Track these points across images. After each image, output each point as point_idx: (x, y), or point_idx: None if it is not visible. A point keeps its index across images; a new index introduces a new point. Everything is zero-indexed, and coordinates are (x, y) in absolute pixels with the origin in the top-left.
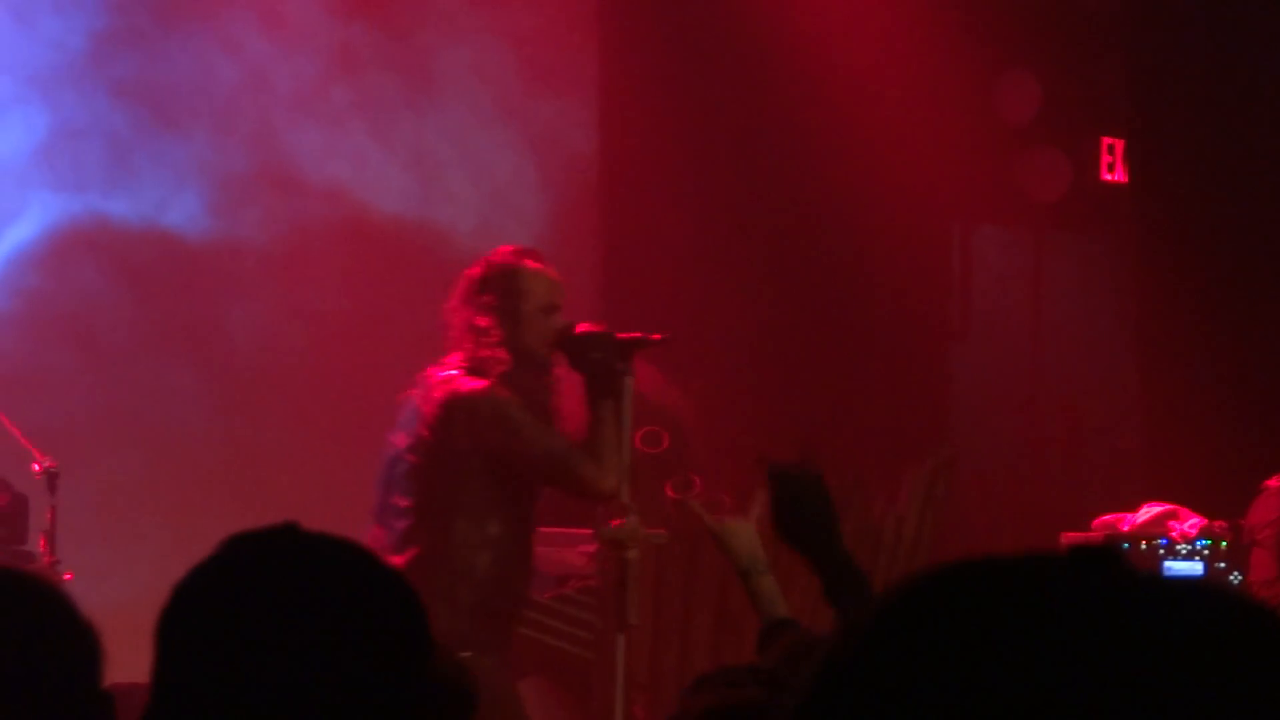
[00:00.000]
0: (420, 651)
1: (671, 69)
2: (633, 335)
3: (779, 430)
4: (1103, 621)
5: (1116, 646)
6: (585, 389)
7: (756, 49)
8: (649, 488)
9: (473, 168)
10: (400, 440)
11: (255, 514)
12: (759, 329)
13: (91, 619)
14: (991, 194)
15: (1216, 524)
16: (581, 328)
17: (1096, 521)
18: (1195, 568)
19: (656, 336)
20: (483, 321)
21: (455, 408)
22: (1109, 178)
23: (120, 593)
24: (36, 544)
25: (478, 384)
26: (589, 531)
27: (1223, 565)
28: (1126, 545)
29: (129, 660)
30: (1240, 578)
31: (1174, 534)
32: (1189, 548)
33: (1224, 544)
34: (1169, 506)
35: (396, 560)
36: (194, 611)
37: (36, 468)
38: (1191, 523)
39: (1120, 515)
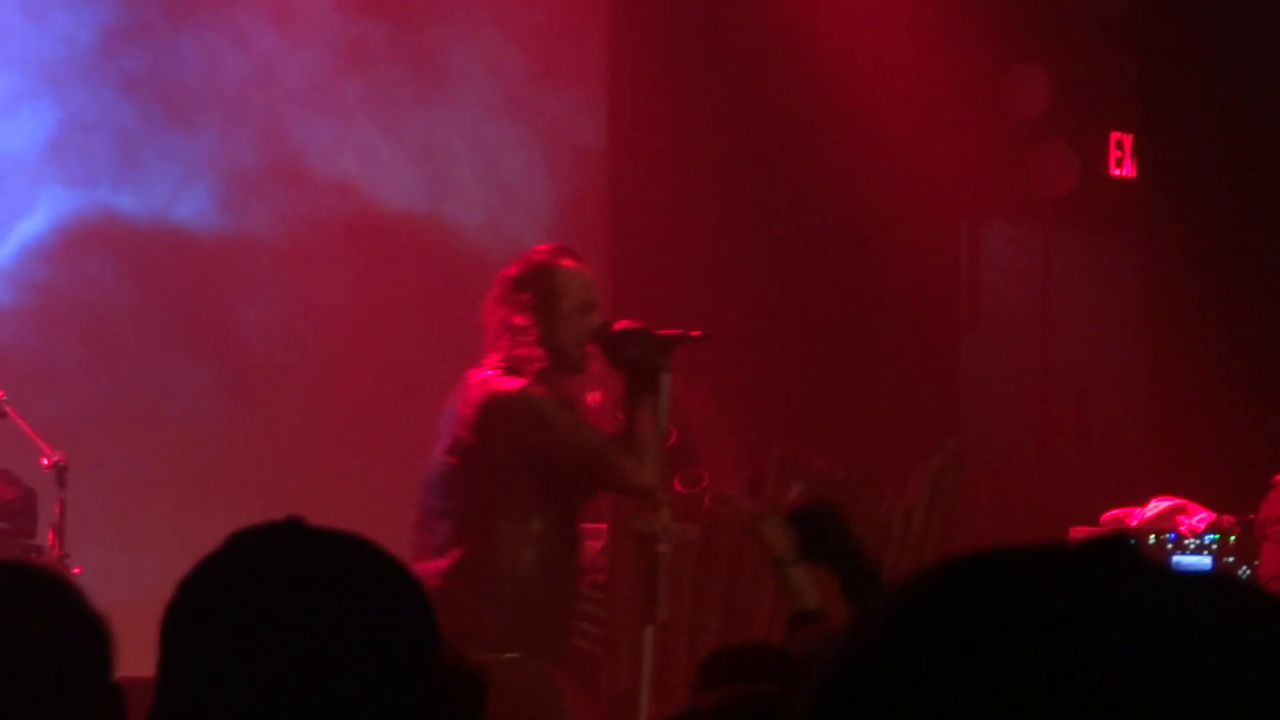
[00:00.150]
0: (425, 644)
1: (681, 63)
2: (671, 331)
3: (788, 424)
4: (1118, 613)
5: (1130, 638)
6: (623, 385)
7: (766, 43)
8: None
9: (482, 162)
10: (441, 443)
11: (264, 508)
12: (768, 322)
13: (102, 612)
14: (1001, 188)
15: (1225, 518)
16: (619, 325)
17: (1105, 516)
18: (1203, 562)
19: (695, 333)
20: (520, 320)
21: (492, 407)
22: (1118, 173)
23: (129, 587)
24: (45, 538)
25: (514, 383)
26: (602, 526)
27: (1231, 559)
28: (1135, 540)
29: (138, 654)
30: (1248, 572)
31: (1182, 528)
32: (1197, 542)
33: (1232, 538)
34: (1177, 501)
35: (440, 563)
36: (198, 607)
37: (45, 462)
38: (1200, 517)
39: (1129, 509)
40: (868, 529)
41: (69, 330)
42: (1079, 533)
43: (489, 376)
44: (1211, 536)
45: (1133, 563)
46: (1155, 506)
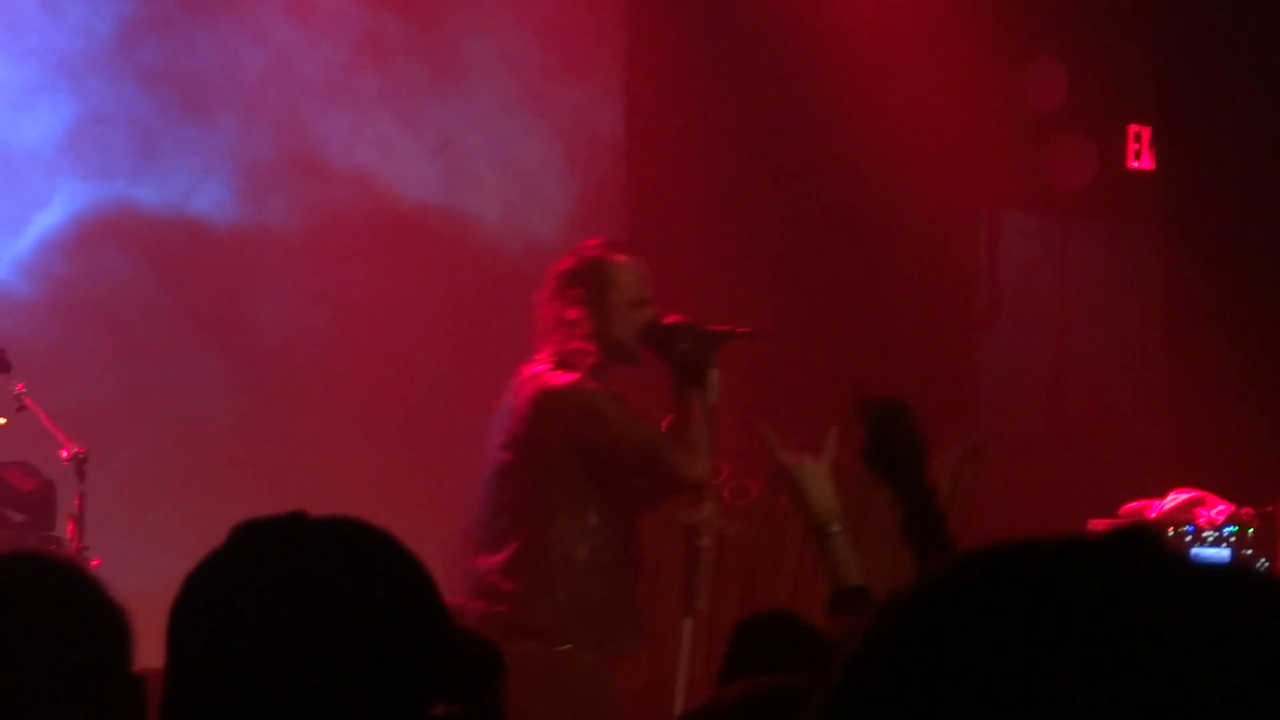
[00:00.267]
0: (432, 628)
1: (698, 55)
2: (720, 328)
3: (805, 417)
4: (1141, 604)
5: (1153, 629)
6: (672, 380)
7: (783, 35)
8: None
9: (499, 154)
10: (495, 438)
11: (282, 500)
12: (785, 315)
13: (121, 603)
14: (1018, 182)
15: (1244, 511)
16: (670, 319)
17: (1124, 508)
18: (1222, 554)
19: (743, 330)
20: (572, 314)
21: (545, 402)
22: (1136, 165)
23: (148, 578)
24: (64, 530)
25: (566, 377)
26: None
27: (1250, 552)
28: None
29: (158, 646)
30: (1267, 564)
31: (1201, 521)
32: (1216, 534)
33: (1251, 530)
34: (1196, 493)
35: (496, 558)
36: (205, 601)
37: (64, 454)
38: (1219, 509)
39: (1147, 502)
40: (885, 524)
41: (86, 322)
42: (1098, 525)
43: (541, 371)
44: (1230, 529)
45: (1155, 554)
46: (1174, 499)
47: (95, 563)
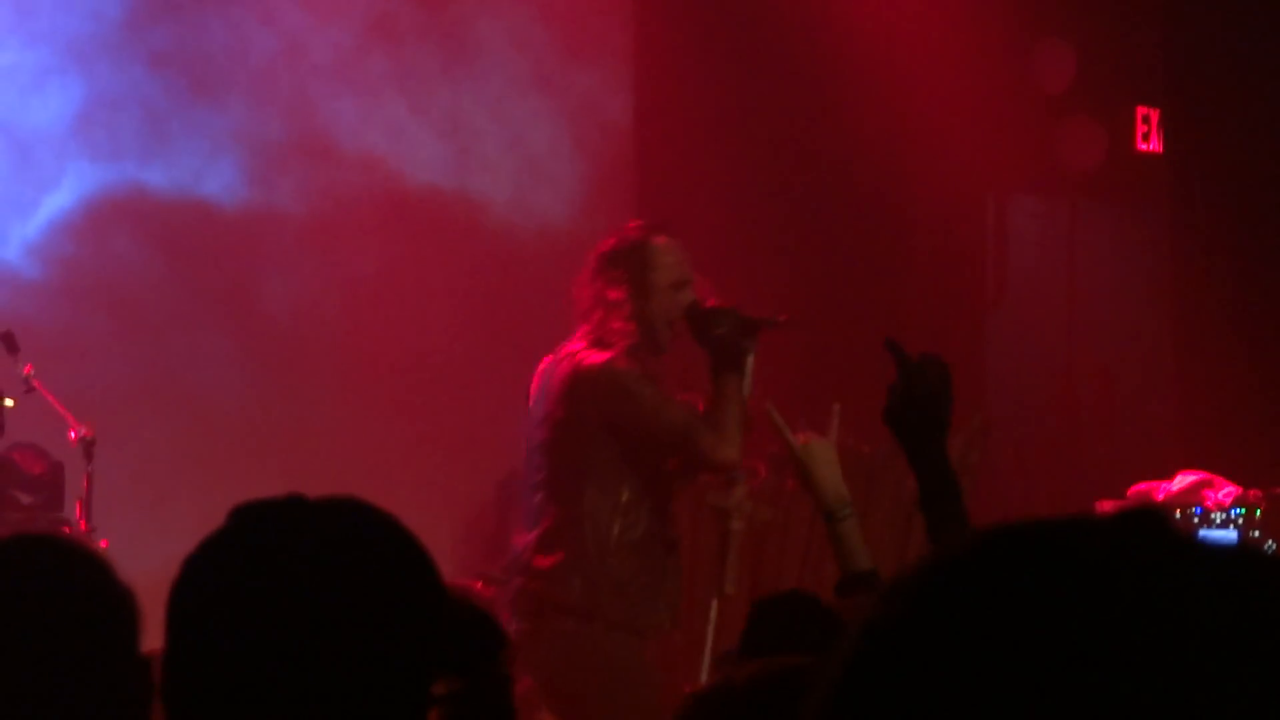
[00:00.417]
0: (431, 606)
1: (707, 38)
2: (759, 314)
3: (813, 399)
4: (1149, 584)
5: (1162, 609)
6: (709, 363)
7: (792, 18)
8: None
9: (509, 137)
10: (534, 416)
11: (290, 482)
12: (793, 297)
13: (129, 585)
14: (1027, 163)
15: (1251, 492)
16: (710, 303)
17: (1131, 490)
18: (1230, 536)
19: (783, 317)
20: (613, 294)
21: (579, 380)
22: (1144, 147)
23: (156, 560)
24: (73, 512)
25: (601, 356)
26: None
27: (1257, 533)
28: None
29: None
30: (1275, 546)
31: (1208, 502)
32: (1224, 516)
33: (1259, 512)
34: (1204, 475)
35: (531, 535)
36: (203, 584)
37: (73, 435)
38: (1226, 491)
39: (1155, 484)
40: (893, 505)
41: (96, 305)
42: (1105, 506)
43: (578, 350)
44: (1238, 510)
45: (1162, 534)
46: (1181, 480)
47: (103, 544)
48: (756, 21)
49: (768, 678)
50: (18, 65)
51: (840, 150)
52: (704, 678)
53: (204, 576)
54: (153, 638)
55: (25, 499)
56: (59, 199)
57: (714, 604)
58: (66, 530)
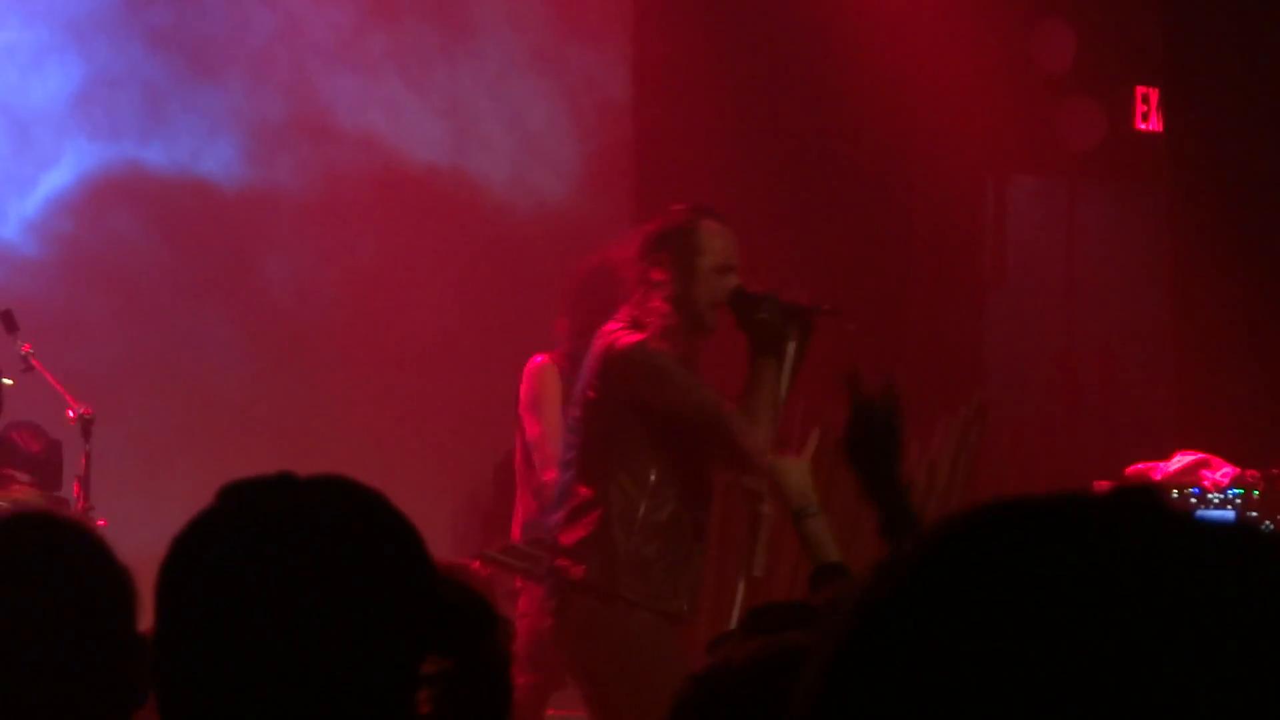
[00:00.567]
0: (419, 585)
1: (706, 16)
2: (803, 301)
3: (813, 381)
4: (1142, 561)
5: (1155, 586)
6: (748, 348)
7: None
8: None
9: (507, 116)
10: (573, 395)
11: (289, 461)
12: (792, 276)
13: (126, 564)
14: (1026, 143)
15: (1249, 473)
16: (752, 288)
17: (1128, 470)
18: (1227, 516)
19: (827, 307)
20: (657, 275)
21: (612, 361)
22: (1144, 127)
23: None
24: (71, 490)
25: (634, 337)
26: None
27: (1255, 514)
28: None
29: None
30: (1272, 526)
31: (1206, 483)
32: (1221, 496)
33: (1256, 493)
34: (1201, 455)
35: (560, 513)
36: (193, 562)
37: (71, 414)
38: (1224, 471)
39: (1153, 464)
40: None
41: (94, 283)
42: (1102, 486)
43: (615, 330)
44: (1236, 491)
45: (1156, 511)
46: (1179, 461)
47: (102, 523)
48: (757, 2)
49: (767, 657)
50: (17, 44)
51: (840, 129)
52: None
53: (192, 555)
54: (151, 616)
55: (22, 477)
56: (58, 177)
57: (741, 586)
58: (63, 509)
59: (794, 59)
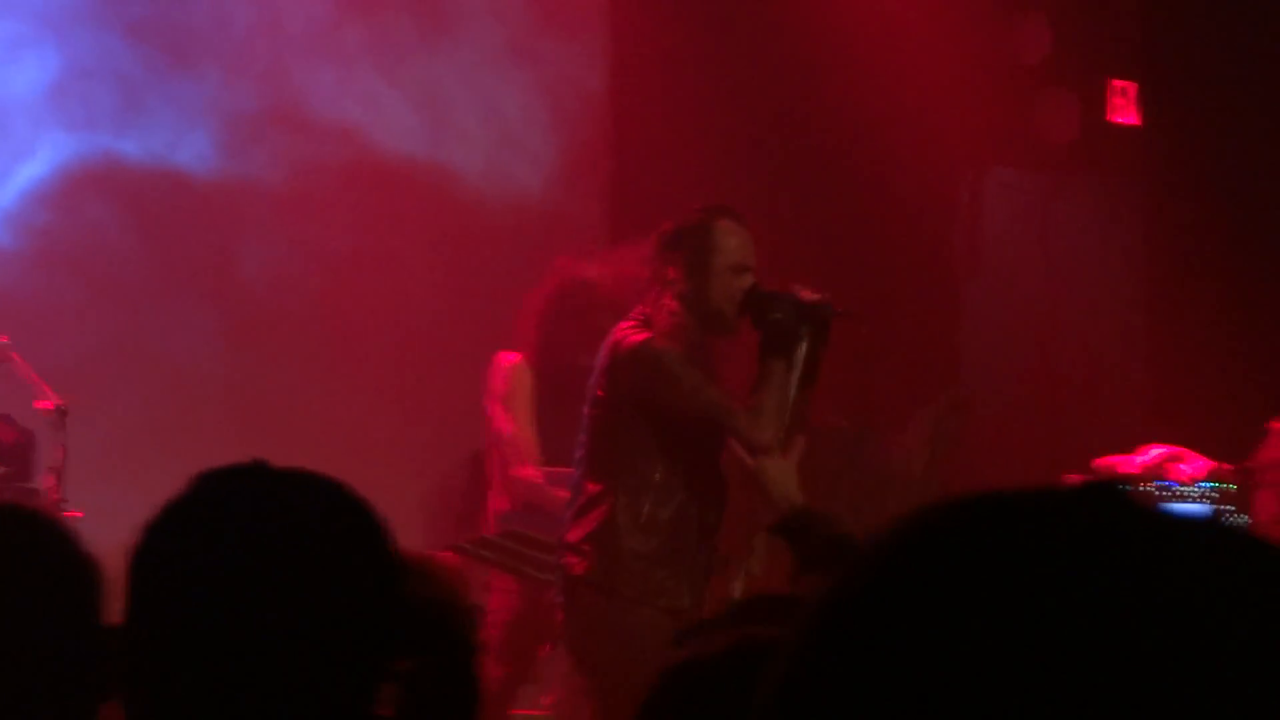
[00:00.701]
0: (385, 581)
1: (683, 9)
2: (818, 302)
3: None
4: (1109, 555)
5: (1122, 580)
6: (760, 346)
7: None
8: None
9: (484, 108)
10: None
11: (264, 452)
12: (769, 269)
13: (95, 554)
14: (1003, 136)
15: (1223, 467)
16: (767, 288)
17: (1099, 463)
18: (1200, 510)
19: (840, 308)
20: (671, 274)
21: (620, 358)
22: (1120, 120)
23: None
24: (44, 481)
25: (643, 335)
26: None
27: (1230, 508)
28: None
29: None
30: (1246, 520)
31: (1179, 476)
32: (1194, 490)
33: (1230, 487)
34: (1174, 449)
35: (571, 510)
36: (161, 549)
37: (47, 405)
38: (1197, 465)
39: (1124, 457)
40: (869, 475)
41: (71, 274)
42: (1073, 480)
43: (627, 328)
44: (1209, 485)
45: (1126, 506)
46: (1150, 454)
47: (77, 515)
48: None
49: (741, 649)
50: None
51: (817, 122)
52: None
53: (161, 542)
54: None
55: None
56: (33, 168)
57: (735, 584)
58: (34, 501)
59: (771, 52)
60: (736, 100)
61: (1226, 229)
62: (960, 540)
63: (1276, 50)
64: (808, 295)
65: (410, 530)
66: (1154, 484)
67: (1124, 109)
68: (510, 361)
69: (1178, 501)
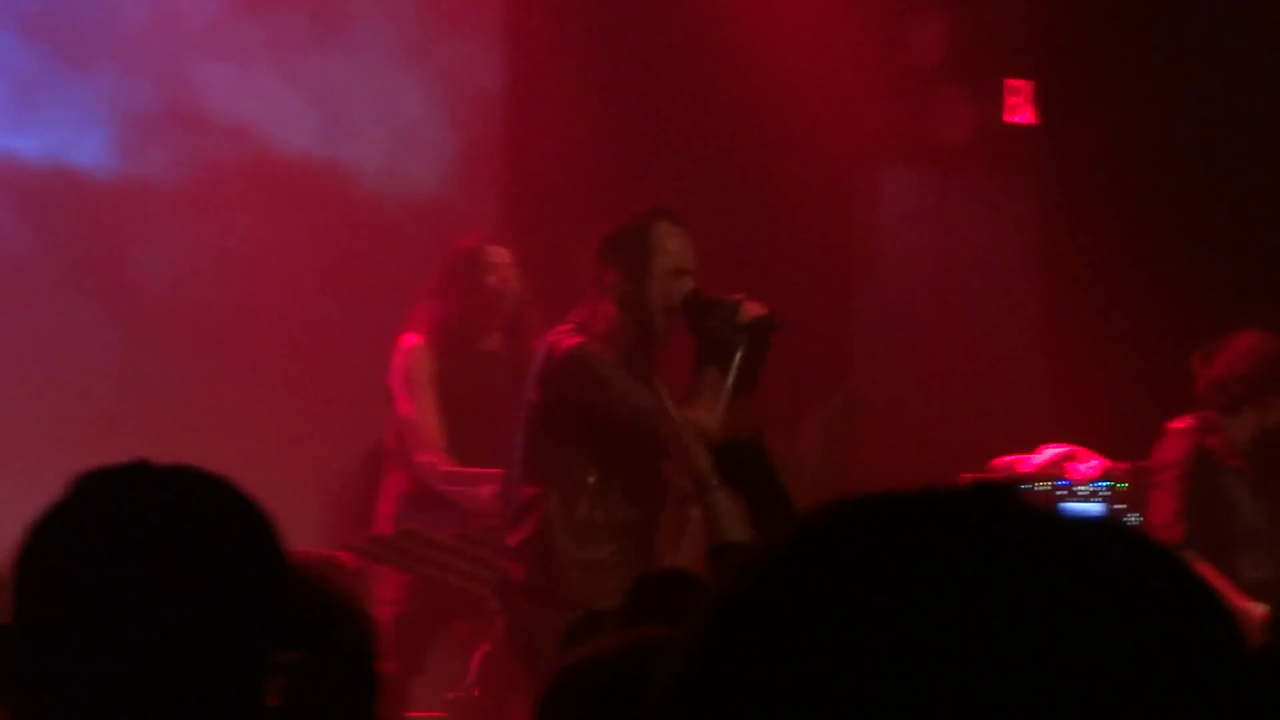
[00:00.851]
0: (270, 576)
1: (580, 8)
2: (756, 311)
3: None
4: (996, 556)
5: (1008, 581)
6: (696, 353)
7: None
8: None
9: (380, 106)
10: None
11: (161, 452)
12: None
13: None
14: (898, 135)
15: (1117, 466)
16: (707, 294)
17: (995, 463)
18: (1094, 509)
19: (780, 321)
20: (609, 277)
21: (552, 363)
22: (1016, 119)
23: (18, 533)
24: None
25: (575, 339)
26: (499, 471)
27: (1123, 507)
28: (1026, 486)
29: None
30: (1138, 519)
31: (1073, 475)
32: (1088, 489)
33: (1124, 486)
34: (1068, 448)
35: (508, 515)
36: (49, 549)
37: None
38: (1091, 464)
39: (1020, 456)
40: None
41: None
42: (968, 479)
43: (560, 331)
44: (1103, 484)
45: (1013, 506)
46: (1046, 454)
47: None
48: None
49: (635, 649)
50: None
51: (713, 119)
52: None
53: (44, 543)
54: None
55: None
56: None
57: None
58: None
59: (667, 51)
60: (633, 98)
61: (1123, 228)
62: (846, 542)
63: (1172, 49)
64: (750, 308)
65: (307, 529)
66: (1050, 483)
67: (1020, 108)
68: (410, 344)
69: (1073, 501)
